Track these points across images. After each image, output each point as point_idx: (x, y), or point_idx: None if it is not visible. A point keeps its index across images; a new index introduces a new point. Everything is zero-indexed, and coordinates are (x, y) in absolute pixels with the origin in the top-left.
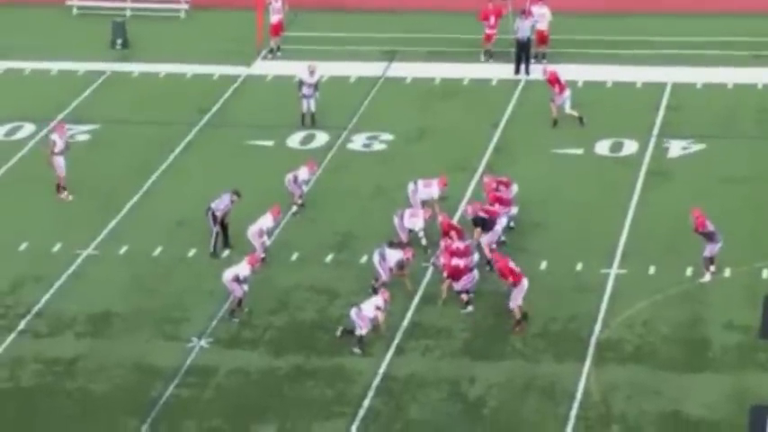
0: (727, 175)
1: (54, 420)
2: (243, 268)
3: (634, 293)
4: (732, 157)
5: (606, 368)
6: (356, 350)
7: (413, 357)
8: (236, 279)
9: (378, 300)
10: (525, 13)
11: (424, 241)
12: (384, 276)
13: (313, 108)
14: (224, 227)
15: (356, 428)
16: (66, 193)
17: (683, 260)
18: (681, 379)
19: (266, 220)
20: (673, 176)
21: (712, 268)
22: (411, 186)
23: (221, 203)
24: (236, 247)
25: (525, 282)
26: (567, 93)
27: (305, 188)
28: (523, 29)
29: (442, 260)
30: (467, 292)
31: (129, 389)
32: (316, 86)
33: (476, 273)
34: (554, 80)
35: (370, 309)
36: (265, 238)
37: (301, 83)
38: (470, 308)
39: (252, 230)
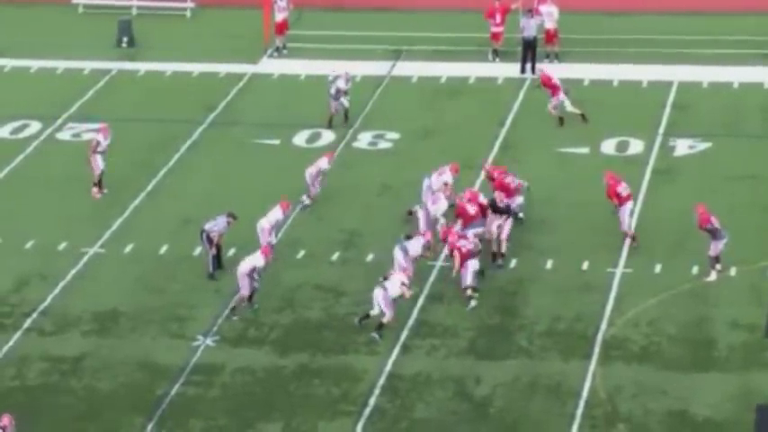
0: (733, 173)
1: (60, 418)
2: (258, 259)
3: (640, 292)
4: (738, 155)
5: (612, 367)
6: (375, 336)
7: (418, 356)
8: (252, 271)
9: (402, 276)
10: (531, 11)
11: (440, 225)
12: (409, 270)
13: (347, 104)
14: (218, 249)
15: (362, 427)
16: (96, 189)
17: (689, 259)
18: (687, 378)
19: (276, 214)
20: (679, 175)
21: (718, 267)
22: (426, 182)
23: (216, 226)
24: (229, 268)
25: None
26: (561, 94)
27: (318, 186)
28: (529, 28)
29: (449, 238)
30: (473, 288)
31: (135, 387)
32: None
33: (476, 261)
34: (546, 82)
35: (395, 287)
36: (272, 233)
37: (338, 91)
38: (474, 303)
39: (262, 225)
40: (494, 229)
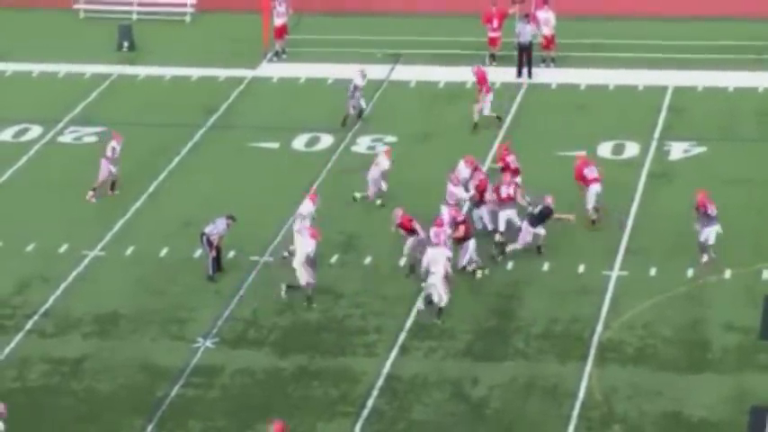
0: (727, 177)
1: (60, 420)
2: (308, 245)
3: (635, 295)
4: (732, 159)
5: (608, 369)
6: (437, 321)
7: (416, 358)
8: (308, 258)
9: (445, 251)
10: (528, 17)
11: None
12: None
13: (363, 104)
14: (218, 251)
15: (360, 428)
16: (92, 193)
17: (684, 262)
18: (682, 380)
19: (307, 206)
20: (674, 178)
21: (712, 253)
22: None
23: (215, 229)
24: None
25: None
26: (491, 96)
27: (384, 183)
28: (525, 33)
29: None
30: (474, 262)
31: (135, 388)
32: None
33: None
34: (482, 79)
35: (441, 265)
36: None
37: (355, 88)
38: (480, 274)
39: (300, 211)
40: (529, 238)
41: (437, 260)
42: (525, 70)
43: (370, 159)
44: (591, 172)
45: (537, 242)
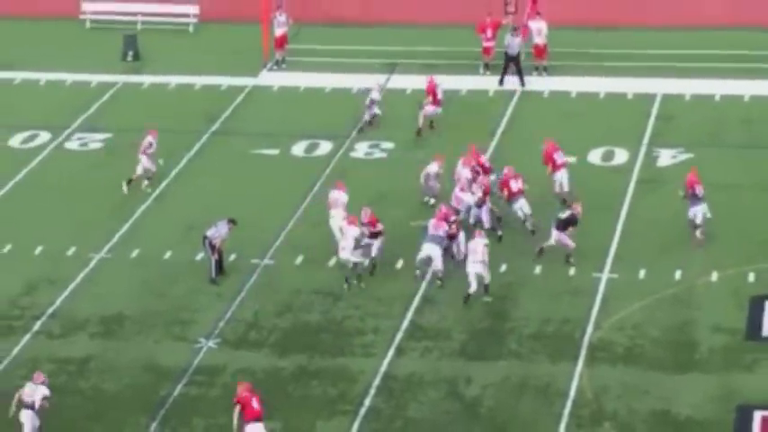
0: (714, 182)
1: (67, 418)
2: (351, 230)
3: (625, 297)
4: (719, 165)
5: (598, 368)
6: (487, 298)
7: (412, 358)
8: (357, 242)
9: (484, 239)
10: (516, 30)
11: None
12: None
13: (378, 111)
14: (220, 254)
15: (358, 426)
16: (125, 186)
17: (673, 264)
18: (670, 379)
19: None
20: (662, 184)
21: (699, 232)
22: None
23: (217, 232)
24: (230, 273)
25: None
26: (436, 110)
27: (437, 184)
28: (513, 45)
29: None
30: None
31: (140, 387)
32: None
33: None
34: (432, 90)
35: (481, 255)
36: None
37: (372, 101)
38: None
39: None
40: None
41: (478, 248)
42: (516, 79)
43: (366, 164)
44: (560, 157)
45: (566, 251)
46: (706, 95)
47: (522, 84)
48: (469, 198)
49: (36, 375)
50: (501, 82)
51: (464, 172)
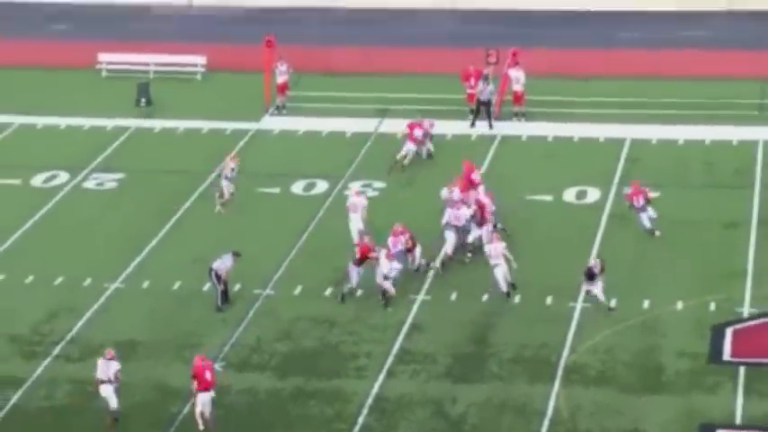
0: (678, 219)
1: None
2: (383, 264)
3: (597, 324)
4: (683, 203)
5: (573, 389)
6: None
7: (402, 380)
8: (385, 277)
9: (503, 247)
10: (487, 80)
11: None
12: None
13: (431, 147)
14: (225, 284)
15: None
16: (221, 207)
17: (641, 294)
18: (639, 400)
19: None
20: (632, 220)
21: (655, 232)
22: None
23: (223, 264)
24: (235, 302)
25: None
26: (418, 147)
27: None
28: (485, 92)
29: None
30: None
31: (151, 406)
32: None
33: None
34: (411, 131)
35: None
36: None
37: (426, 134)
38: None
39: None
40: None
41: (498, 250)
42: (485, 123)
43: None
44: (477, 176)
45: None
46: (670, 140)
47: (491, 126)
48: (466, 211)
49: (107, 351)
50: (473, 124)
51: (455, 193)
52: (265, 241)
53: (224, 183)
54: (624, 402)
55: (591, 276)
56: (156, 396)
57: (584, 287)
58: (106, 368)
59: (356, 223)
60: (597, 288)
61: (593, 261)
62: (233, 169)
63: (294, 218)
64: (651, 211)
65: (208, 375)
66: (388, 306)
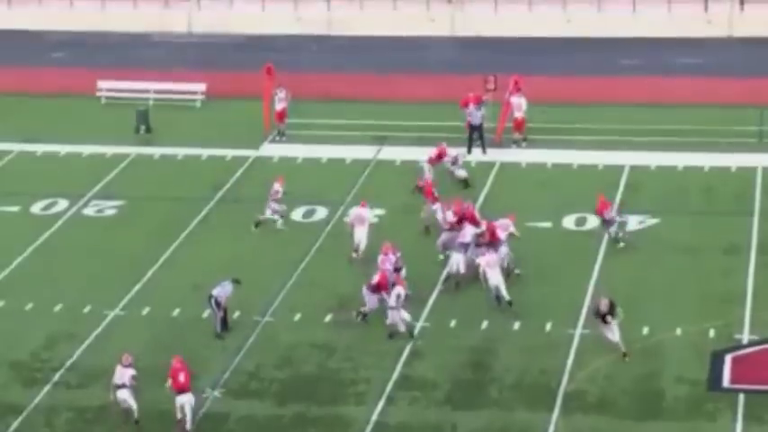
0: (677, 245)
1: None
2: (396, 290)
3: (597, 351)
4: (682, 230)
5: (572, 417)
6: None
7: (401, 406)
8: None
9: (493, 254)
10: (480, 105)
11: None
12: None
13: (465, 174)
14: (224, 311)
15: None
16: (281, 223)
17: (640, 321)
18: (638, 426)
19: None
20: (630, 247)
21: (626, 236)
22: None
23: (222, 291)
24: (234, 328)
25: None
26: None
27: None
28: (476, 117)
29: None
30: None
31: None
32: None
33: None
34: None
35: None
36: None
37: (455, 161)
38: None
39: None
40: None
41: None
42: (475, 148)
43: None
44: (436, 192)
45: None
46: (669, 166)
47: (484, 151)
48: (472, 229)
49: (124, 357)
50: (469, 151)
51: (449, 216)
52: (265, 268)
53: (273, 205)
54: (624, 429)
55: (603, 318)
56: (156, 423)
57: (601, 329)
58: (123, 373)
59: (360, 236)
60: (611, 332)
61: (602, 302)
62: (278, 191)
63: (293, 245)
64: (620, 218)
65: (181, 377)
66: (392, 337)
